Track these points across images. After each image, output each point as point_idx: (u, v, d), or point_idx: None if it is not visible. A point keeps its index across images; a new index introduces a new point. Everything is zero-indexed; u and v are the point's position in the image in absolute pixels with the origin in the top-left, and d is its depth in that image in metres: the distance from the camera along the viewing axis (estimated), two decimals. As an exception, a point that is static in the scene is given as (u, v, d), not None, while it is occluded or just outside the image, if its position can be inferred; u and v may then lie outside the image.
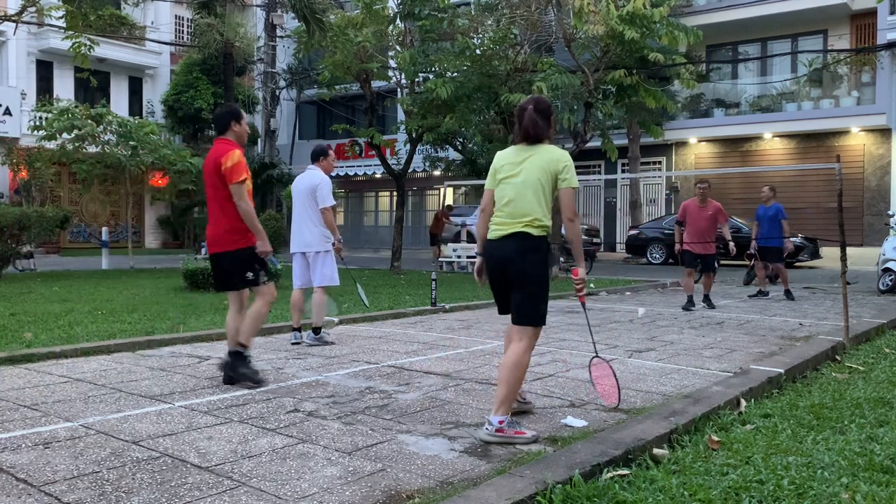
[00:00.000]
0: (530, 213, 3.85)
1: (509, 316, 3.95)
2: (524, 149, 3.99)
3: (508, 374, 3.76)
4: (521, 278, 3.84)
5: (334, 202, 6.70)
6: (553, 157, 3.93)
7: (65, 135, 17.17)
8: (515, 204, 3.88)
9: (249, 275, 4.95)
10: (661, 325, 8.24)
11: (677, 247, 10.20)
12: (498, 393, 3.77)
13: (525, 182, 3.89)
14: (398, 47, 17.38)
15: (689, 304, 9.90)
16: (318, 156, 6.85)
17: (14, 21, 15.05)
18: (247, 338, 4.96)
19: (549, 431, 3.86)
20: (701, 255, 9.96)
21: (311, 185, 6.64)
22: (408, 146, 18.59)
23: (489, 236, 4.00)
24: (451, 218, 23.50)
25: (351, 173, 31.00)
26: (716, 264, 10.49)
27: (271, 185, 24.57)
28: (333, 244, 6.70)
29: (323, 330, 6.81)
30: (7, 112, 24.83)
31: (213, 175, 4.94)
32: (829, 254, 18.67)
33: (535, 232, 3.85)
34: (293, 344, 6.67)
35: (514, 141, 4.16)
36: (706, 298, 10.18)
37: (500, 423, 3.68)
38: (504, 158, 4.05)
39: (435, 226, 20.04)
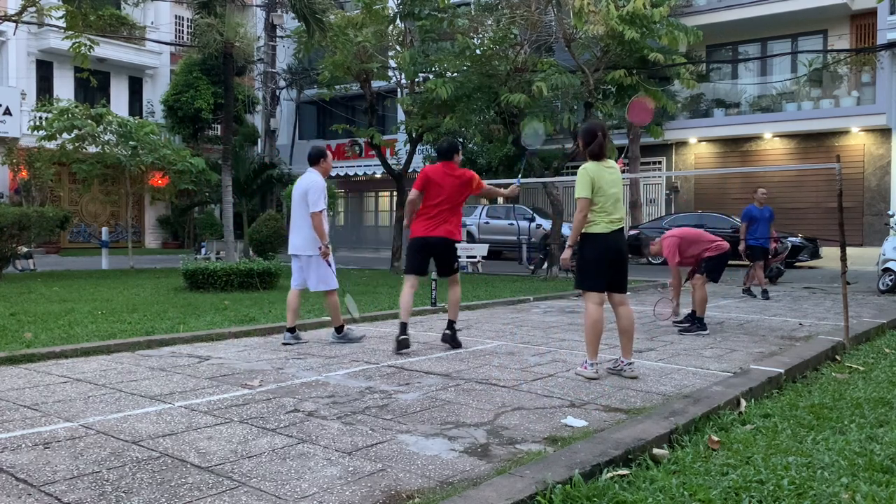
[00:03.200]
0: (622, 214, 5.40)
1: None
2: (604, 165, 5.34)
3: (632, 327, 5.40)
4: (626, 260, 5.46)
5: (324, 206, 6.64)
6: (618, 171, 5.47)
7: (65, 135, 17.16)
8: (617, 208, 5.31)
9: (456, 264, 6.61)
10: (661, 325, 8.24)
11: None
12: (630, 344, 5.36)
13: (619, 191, 5.37)
14: (398, 47, 17.38)
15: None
16: (316, 158, 6.84)
17: (14, 21, 15.04)
18: (455, 314, 6.63)
19: (549, 431, 3.86)
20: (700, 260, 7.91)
21: (304, 189, 6.64)
22: (408, 146, 18.59)
23: (603, 230, 5.25)
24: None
25: (351, 173, 30.97)
26: (702, 268, 7.87)
27: (271, 185, 24.55)
28: (320, 248, 6.63)
29: (346, 327, 6.89)
30: (7, 112, 24.82)
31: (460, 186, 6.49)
32: (829, 254, 18.66)
33: None
34: (283, 344, 6.65)
35: (592, 158, 5.37)
36: (694, 318, 7.81)
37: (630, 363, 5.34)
38: (598, 173, 5.28)
39: None
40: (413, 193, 6.50)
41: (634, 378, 5.23)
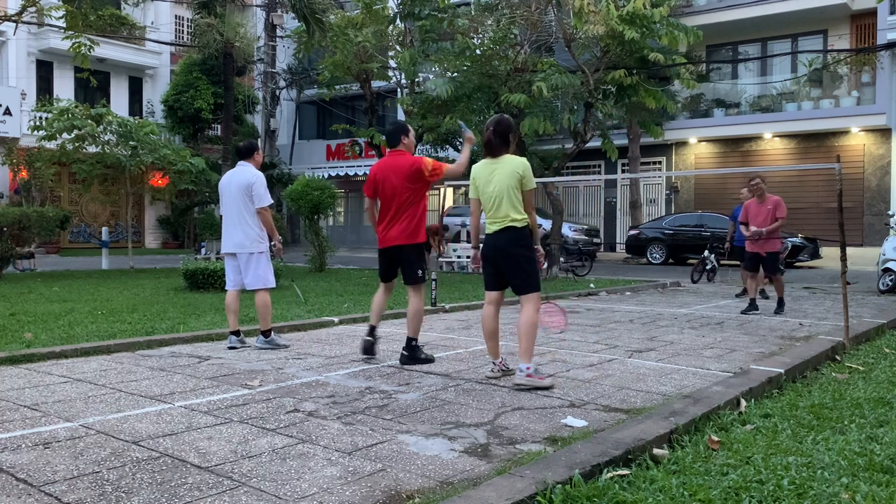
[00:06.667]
0: (509, 213, 4.96)
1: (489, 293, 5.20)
2: (491, 162, 5.11)
3: (528, 331, 4.88)
4: (514, 261, 4.98)
5: (272, 201, 6.49)
6: (513, 167, 5.01)
7: (65, 135, 17.16)
8: (497, 207, 4.99)
9: (419, 272, 5.80)
10: (661, 325, 8.24)
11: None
12: (522, 345, 4.87)
13: (500, 189, 4.98)
14: (398, 47, 17.39)
15: (752, 308, 9.35)
16: (249, 151, 6.59)
17: (14, 21, 15.05)
18: (414, 331, 5.78)
19: (549, 431, 3.86)
20: (762, 254, 9.33)
21: (246, 183, 6.33)
22: (408, 146, 18.58)
23: (487, 232, 5.09)
24: (450, 217, 23.51)
25: (351, 173, 30.99)
26: (781, 265, 9.68)
27: (271, 186, 24.53)
28: (273, 245, 6.46)
29: (273, 332, 6.54)
30: (7, 112, 24.81)
31: (402, 181, 5.64)
32: (829, 254, 18.67)
33: (518, 224, 4.97)
34: (229, 348, 6.40)
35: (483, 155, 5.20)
36: (780, 302, 9.49)
37: (529, 369, 4.80)
38: (479, 172, 5.16)
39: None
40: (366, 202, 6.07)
41: (519, 386, 4.83)
